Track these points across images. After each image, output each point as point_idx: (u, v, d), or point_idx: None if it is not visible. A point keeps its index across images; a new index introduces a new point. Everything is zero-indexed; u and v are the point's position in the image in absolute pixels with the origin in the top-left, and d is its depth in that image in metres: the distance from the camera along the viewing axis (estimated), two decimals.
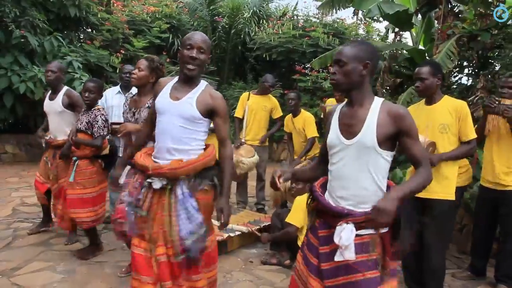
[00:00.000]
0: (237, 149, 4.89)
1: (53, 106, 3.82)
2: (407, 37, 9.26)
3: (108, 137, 3.62)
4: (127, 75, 4.26)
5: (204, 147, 2.31)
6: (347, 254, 1.72)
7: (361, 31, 11.32)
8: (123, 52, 8.64)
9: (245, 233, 4.02)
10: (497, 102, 3.22)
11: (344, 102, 1.96)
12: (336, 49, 7.67)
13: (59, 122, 3.81)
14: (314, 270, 1.90)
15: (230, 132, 2.32)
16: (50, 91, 3.95)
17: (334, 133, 1.92)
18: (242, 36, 10.58)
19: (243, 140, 5.13)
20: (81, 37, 9.11)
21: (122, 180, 2.88)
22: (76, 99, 3.76)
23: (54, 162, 3.76)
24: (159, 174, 2.17)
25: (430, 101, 3.03)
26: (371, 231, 1.79)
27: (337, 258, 1.75)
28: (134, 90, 4.65)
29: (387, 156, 1.83)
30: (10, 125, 8.26)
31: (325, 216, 1.91)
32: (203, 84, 2.28)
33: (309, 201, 2.03)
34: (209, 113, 2.24)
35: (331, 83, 1.91)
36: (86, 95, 3.46)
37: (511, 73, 3.61)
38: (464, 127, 2.93)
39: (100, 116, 3.44)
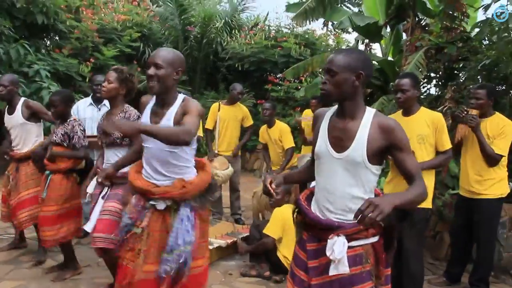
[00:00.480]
0: (211, 161, 4.85)
1: (13, 120, 3.69)
2: (376, 49, 9.53)
3: None
4: (99, 87, 4.15)
5: (192, 161, 2.30)
6: (341, 267, 1.69)
7: (331, 42, 11.53)
8: (93, 61, 8.44)
9: (223, 246, 3.98)
10: (465, 112, 3.36)
11: (334, 108, 1.89)
12: (308, 60, 7.80)
13: (22, 135, 3.67)
14: (303, 285, 1.85)
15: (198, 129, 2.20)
16: (7, 106, 3.79)
17: (323, 143, 1.84)
18: (214, 45, 10.56)
19: (216, 152, 5.11)
20: (49, 45, 8.86)
21: (90, 190, 2.84)
22: (37, 107, 3.66)
23: (17, 175, 3.63)
24: (168, 197, 2.18)
25: (408, 112, 3.12)
26: (363, 242, 1.76)
27: (332, 272, 1.71)
28: (107, 102, 4.56)
29: (376, 170, 1.79)
30: None
31: (313, 230, 1.86)
32: (179, 100, 2.23)
33: (295, 215, 1.97)
34: None
35: (321, 94, 1.84)
36: (52, 110, 3.34)
37: (479, 85, 3.76)
38: (440, 137, 3.04)
39: (78, 127, 3.30)
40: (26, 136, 3.65)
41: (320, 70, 9.33)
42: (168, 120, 2.18)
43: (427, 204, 3.03)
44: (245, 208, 5.74)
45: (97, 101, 4.44)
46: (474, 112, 3.38)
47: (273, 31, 10.84)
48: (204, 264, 2.33)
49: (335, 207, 1.80)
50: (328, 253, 1.70)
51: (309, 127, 4.42)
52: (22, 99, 3.71)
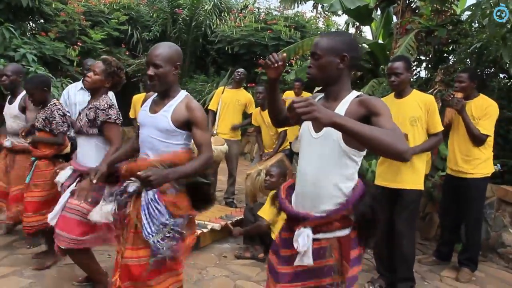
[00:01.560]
0: None
1: (10, 109, 3.65)
2: (367, 32, 9.52)
3: (69, 134, 3.44)
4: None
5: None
6: (305, 259, 1.66)
7: (320, 25, 11.48)
8: (80, 44, 8.30)
9: (217, 229, 4.01)
10: (452, 96, 3.44)
11: (321, 95, 1.87)
12: (298, 43, 7.77)
13: (13, 127, 3.62)
14: (274, 275, 1.83)
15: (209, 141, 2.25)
16: (10, 96, 3.75)
17: (305, 125, 1.82)
18: (203, 28, 10.46)
19: (214, 132, 5.16)
20: (34, 28, 8.66)
21: (61, 179, 2.81)
22: (28, 103, 3.54)
23: (13, 165, 3.60)
24: (125, 174, 2.21)
25: (400, 95, 3.15)
26: (329, 235, 1.70)
27: (296, 263, 1.69)
28: None
29: (354, 155, 1.68)
30: None
31: (287, 219, 1.85)
32: (181, 95, 2.24)
33: (275, 202, 1.94)
34: (186, 125, 2.19)
35: (307, 77, 1.81)
36: (30, 98, 3.29)
37: (463, 68, 3.83)
38: (432, 120, 3.09)
39: (57, 111, 3.23)
40: (17, 128, 3.59)
41: (309, 53, 9.33)
42: (166, 111, 2.18)
43: (419, 186, 3.09)
44: (237, 191, 5.78)
45: None
46: (459, 95, 3.51)
47: (263, 14, 10.75)
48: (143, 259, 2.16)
49: (307, 191, 1.76)
50: (295, 244, 1.68)
51: None
52: (24, 91, 3.63)
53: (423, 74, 6.64)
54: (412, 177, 3.05)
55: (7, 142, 3.64)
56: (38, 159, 3.31)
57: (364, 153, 1.73)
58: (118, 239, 2.29)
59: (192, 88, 9.86)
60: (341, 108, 1.70)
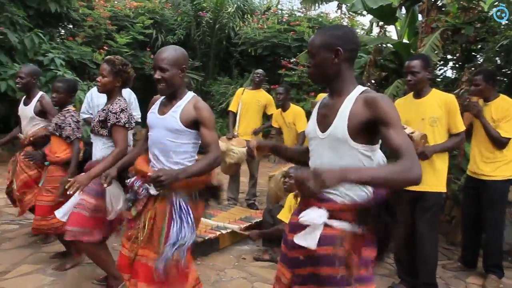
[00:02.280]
0: (229, 140, 4.96)
1: (25, 111, 3.68)
2: (392, 31, 9.35)
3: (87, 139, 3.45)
4: None
5: (196, 158, 2.32)
6: (310, 240, 1.58)
7: (345, 24, 11.35)
8: (106, 48, 8.50)
9: (236, 231, 4.00)
10: (467, 100, 3.35)
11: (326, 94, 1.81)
12: None
13: (30, 129, 3.65)
14: (283, 258, 1.81)
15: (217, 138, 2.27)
16: (25, 96, 3.79)
17: (312, 124, 1.77)
18: (226, 31, 10.51)
19: (235, 134, 5.17)
20: (62, 33, 8.93)
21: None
22: (48, 107, 3.57)
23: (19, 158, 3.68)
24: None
25: (419, 95, 3.07)
26: (345, 226, 1.60)
27: (296, 239, 1.62)
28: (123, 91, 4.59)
29: (365, 150, 1.60)
30: None
31: (302, 202, 1.76)
32: (189, 96, 2.28)
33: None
34: (194, 124, 2.22)
35: (308, 77, 1.81)
36: (54, 95, 3.33)
37: (478, 70, 3.72)
38: (453, 120, 2.99)
39: (71, 118, 3.25)
40: (32, 130, 3.64)
41: None
42: (174, 112, 2.22)
43: (441, 188, 3.00)
44: (259, 193, 5.76)
45: None
46: (475, 98, 3.42)
47: (286, 15, 10.71)
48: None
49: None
50: (300, 218, 1.62)
51: None
52: (40, 93, 3.67)
53: (449, 73, 6.46)
54: (434, 179, 2.95)
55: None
56: (51, 164, 3.35)
57: (377, 146, 1.66)
58: (130, 237, 2.31)
59: (215, 90, 9.92)
60: (346, 106, 1.62)
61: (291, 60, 9.79)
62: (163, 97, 2.36)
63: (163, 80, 2.16)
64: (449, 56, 6.32)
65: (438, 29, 5.81)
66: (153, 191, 2.18)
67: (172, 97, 2.27)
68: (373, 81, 7.23)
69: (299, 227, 1.64)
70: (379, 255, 1.71)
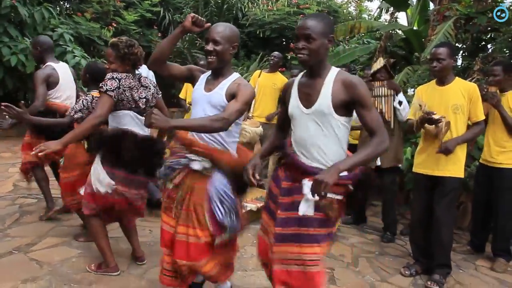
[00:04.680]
0: (243, 120, 5.01)
1: None
2: (402, 18, 9.34)
3: None
4: None
5: (237, 138, 2.35)
6: (309, 209, 1.89)
7: (352, 10, 11.32)
8: (114, 25, 8.44)
9: (254, 210, 4.10)
10: (485, 90, 3.42)
11: (301, 74, 2.07)
12: None
13: None
14: (273, 215, 2.08)
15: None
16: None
17: (295, 102, 2.02)
18: (234, 11, 10.44)
19: (250, 115, 5.23)
20: (69, 7, 8.83)
21: None
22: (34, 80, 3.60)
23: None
24: (205, 153, 2.21)
25: (442, 82, 3.14)
26: (331, 195, 1.89)
27: (301, 210, 1.90)
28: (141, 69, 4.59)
29: (345, 121, 1.94)
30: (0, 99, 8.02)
31: (295, 172, 2.02)
32: (235, 75, 2.30)
33: (279, 158, 2.20)
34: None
35: (300, 60, 1.92)
36: (84, 78, 3.34)
37: (496, 61, 3.77)
38: (474, 108, 3.08)
39: (82, 101, 3.15)
40: None
41: (342, 38, 9.21)
42: (221, 89, 2.23)
43: (460, 173, 3.10)
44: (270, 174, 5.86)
45: None
46: (493, 89, 3.47)
47: None
48: (203, 239, 2.25)
49: (311, 158, 1.98)
50: (305, 191, 1.88)
51: None
52: (46, 64, 3.70)
53: (459, 62, 6.51)
54: (453, 165, 3.06)
55: None
56: None
57: (353, 117, 1.98)
58: (167, 211, 2.35)
59: None
60: (327, 88, 1.91)
61: None
62: (207, 73, 2.36)
63: (215, 52, 2.17)
64: (460, 45, 6.36)
65: (451, 17, 5.84)
66: (195, 165, 2.22)
67: (218, 74, 2.27)
68: None
69: (293, 192, 1.96)
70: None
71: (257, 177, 2.03)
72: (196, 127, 2.10)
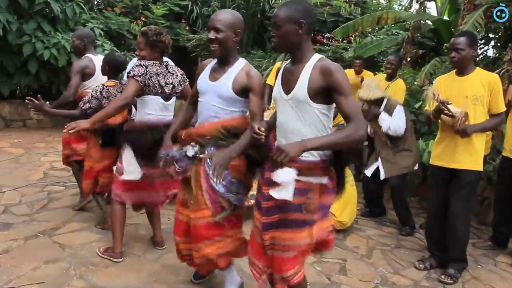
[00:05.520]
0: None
1: None
2: (432, 7, 9.07)
3: None
4: None
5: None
6: (284, 193, 1.84)
7: (382, 0, 11.07)
8: (143, 19, 8.62)
9: None
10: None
11: (289, 60, 2.07)
12: (358, 19, 7.57)
13: None
14: (259, 206, 2.10)
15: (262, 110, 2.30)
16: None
17: (277, 88, 2.05)
18: (261, 4, 10.41)
19: (270, 106, 5.26)
20: (100, 2, 9.09)
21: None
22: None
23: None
24: (187, 137, 2.35)
25: (462, 72, 3.06)
26: (309, 179, 1.92)
27: (272, 193, 1.86)
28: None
29: (323, 109, 1.91)
30: (35, 92, 8.38)
31: (273, 161, 1.93)
32: (241, 63, 2.29)
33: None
34: (245, 92, 2.25)
35: (272, 46, 1.98)
36: (104, 69, 3.44)
37: None
38: (495, 100, 2.99)
39: (92, 92, 3.26)
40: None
41: (370, 30, 9.05)
42: (227, 78, 2.25)
43: (478, 167, 3.02)
44: None
45: None
46: None
47: None
48: (209, 219, 2.31)
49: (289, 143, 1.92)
50: (274, 177, 1.85)
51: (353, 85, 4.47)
52: (85, 55, 3.85)
53: (490, 53, 6.28)
54: (470, 158, 2.99)
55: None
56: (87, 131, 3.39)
57: (333, 106, 1.93)
58: (183, 202, 2.47)
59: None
60: (305, 73, 1.90)
61: (326, 35, 9.68)
62: (213, 62, 2.37)
63: (217, 40, 2.18)
64: (491, 35, 6.14)
65: (481, 6, 5.63)
66: (190, 152, 2.29)
67: (224, 62, 2.28)
68: (410, 59, 7.11)
69: (273, 182, 1.90)
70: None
71: (262, 129, 1.98)
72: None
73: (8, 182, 4.56)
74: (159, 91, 2.83)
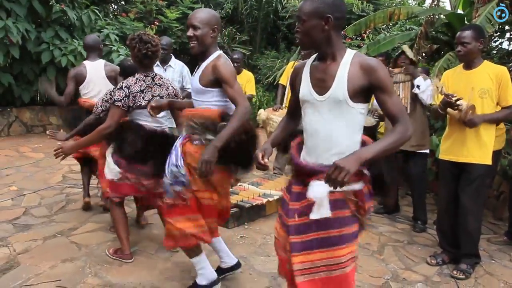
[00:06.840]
0: (274, 111, 5.14)
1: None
2: (445, 1, 8.93)
3: None
4: (165, 47, 4.41)
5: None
6: (323, 211, 1.69)
7: None
8: (157, 23, 8.76)
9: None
10: None
11: (313, 57, 1.90)
12: (370, 16, 7.52)
13: None
14: (284, 225, 1.89)
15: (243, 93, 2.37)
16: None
17: (306, 89, 1.85)
18: (274, 4, 10.46)
19: (282, 106, 5.29)
20: (116, 9, 9.28)
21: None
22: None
23: None
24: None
25: (469, 66, 3.04)
26: (344, 188, 1.67)
27: (313, 216, 1.71)
28: (172, 63, 4.79)
29: (361, 109, 1.77)
30: None
31: (301, 174, 1.87)
32: (213, 56, 2.36)
33: (289, 161, 2.03)
34: (215, 83, 2.32)
35: (296, 43, 1.87)
36: (122, 75, 3.54)
37: None
38: (504, 92, 2.95)
39: (104, 96, 3.33)
40: None
41: (384, 26, 8.97)
42: (198, 72, 2.39)
43: (487, 160, 2.99)
44: None
45: (163, 61, 4.71)
46: None
47: None
48: (206, 196, 2.42)
49: (322, 148, 1.80)
50: (309, 195, 1.72)
51: None
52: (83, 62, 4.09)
53: (505, 45, 6.17)
54: (479, 151, 2.96)
55: None
56: None
57: (368, 104, 1.81)
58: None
59: (262, 64, 9.99)
60: (343, 70, 1.74)
61: None
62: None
63: (195, 37, 2.29)
64: (506, 27, 6.02)
65: None
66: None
67: (202, 59, 2.39)
68: (423, 54, 7.03)
69: (302, 196, 1.78)
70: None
71: (266, 160, 1.89)
72: (231, 133, 2.23)
73: (28, 185, 4.72)
74: (147, 104, 2.78)
